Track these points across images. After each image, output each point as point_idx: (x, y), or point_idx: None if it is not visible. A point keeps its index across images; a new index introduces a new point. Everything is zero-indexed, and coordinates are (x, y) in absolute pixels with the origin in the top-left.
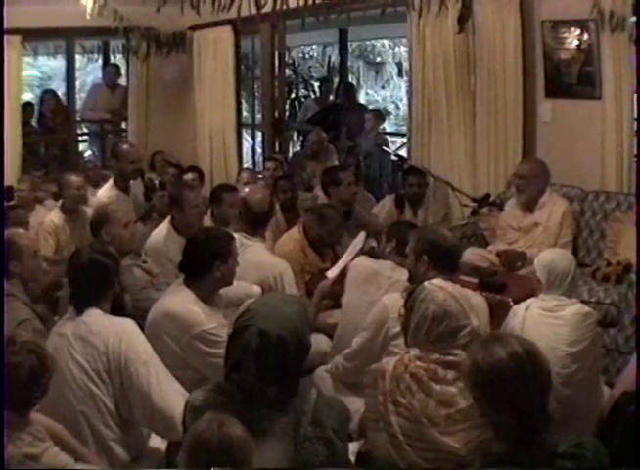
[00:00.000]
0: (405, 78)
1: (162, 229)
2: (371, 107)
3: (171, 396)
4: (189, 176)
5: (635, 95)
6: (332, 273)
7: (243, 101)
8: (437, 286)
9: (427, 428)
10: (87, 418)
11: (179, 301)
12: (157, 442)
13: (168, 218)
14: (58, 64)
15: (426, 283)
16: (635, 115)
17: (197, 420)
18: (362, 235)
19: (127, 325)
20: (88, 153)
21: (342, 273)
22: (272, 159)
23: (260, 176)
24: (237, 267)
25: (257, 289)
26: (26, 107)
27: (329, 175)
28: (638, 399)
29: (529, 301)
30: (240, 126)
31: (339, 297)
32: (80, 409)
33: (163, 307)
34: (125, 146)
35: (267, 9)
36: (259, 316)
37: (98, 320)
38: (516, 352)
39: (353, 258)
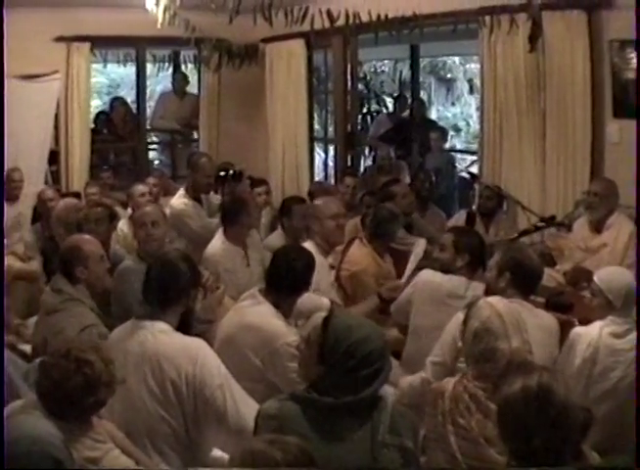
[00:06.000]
0: (476, 95)
1: (218, 240)
2: (441, 123)
3: (247, 415)
4: (260, 189)
5: None
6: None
7: (315, 114)
8: (488, 303)
9: (485, 448)
10: (153, 440)
11: (261, 313)
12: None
13: (221, 230)
14: (127, 71)
15: (481, 300)
16: None
17: (271, 428)
18: (422, 243)
19: (200, 348)
20: (157, 161)
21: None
22: (350, 174)
23: (333, 190)
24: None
25: (327, 302)
26: (99, 115)
27: (383, 190)
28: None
29: (598, 324)
30: (312, 140)
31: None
32: (147, 431)
33: (243, 320)
34: (204, 159)
35: (340, 23)
36: (341, 330)
37: (167, 340)
38: (528, 386)
39: (417, 269)
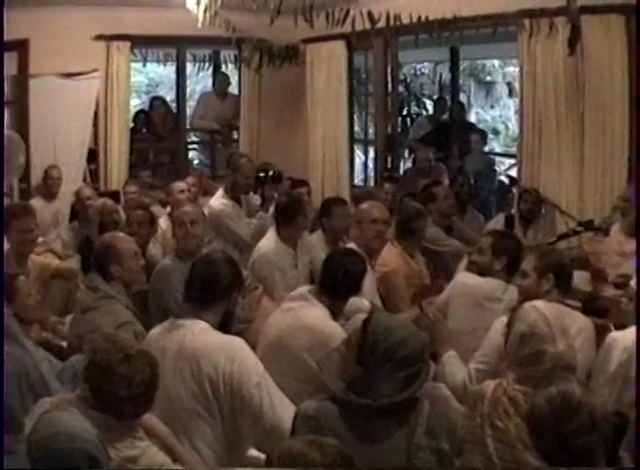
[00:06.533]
0: (515, 98)
1: (270, 240)
2: (481, 126)
3: (284, 415)
4: (301, 190)
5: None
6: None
7: (355, 116)
8: (534, 306)
9: (522, 452)
10: (190, 438)
11: (317, 315)
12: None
13: (273, 228)
14: (166, 71)
15: (526, 303)
16: None
17: (309, 428)
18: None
19: (238, 346)
20: (196, 161)
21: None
22: (389, 180)
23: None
24: None
25: (367, 303)
26: (138, 114)
27: (424, 192)
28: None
29: (633, 329)
30: (352, 141)
31: None
32: (184, 429)
33: (298, 321)
34: (244, 160)
35: (381, 24)
36: (380, 332)
37: (206, 339)
38: (552, 396)
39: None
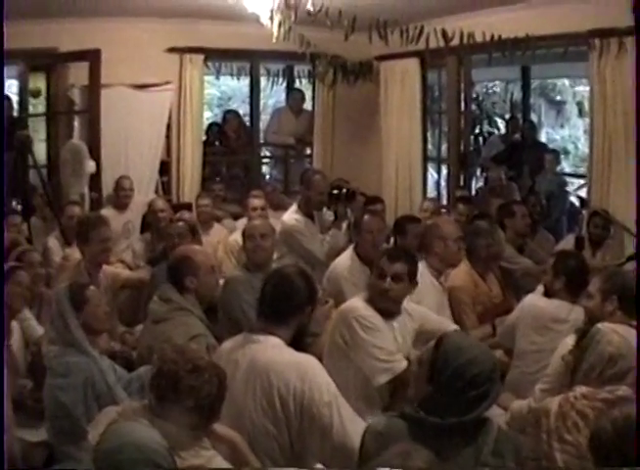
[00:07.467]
0: (584, 118)
1: (347, 256)
2: (551, 146)
3: (353, 433)
4: (375, 207)
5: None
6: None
7: (428, 134)
8: (610, 327)
9: (592, 464)
10: (256, 452)
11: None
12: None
13: (352, 246)
14: (238, 84)
15: (599, 325)
16: None
17: (378, 444)
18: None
19: (310, 365)
20: (267, 176)
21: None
22: (463, 200)
23: (444, 210)
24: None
25: (454, 327)
26: (211, 126)
27: (504, 208)
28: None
29: None
30: (425, 159)
31: None
32: (250, 443)
33: None
34: (318, 176)
35: (454, 42)
36: (451, 351)
37: (279, 355)
38: (615, 418)
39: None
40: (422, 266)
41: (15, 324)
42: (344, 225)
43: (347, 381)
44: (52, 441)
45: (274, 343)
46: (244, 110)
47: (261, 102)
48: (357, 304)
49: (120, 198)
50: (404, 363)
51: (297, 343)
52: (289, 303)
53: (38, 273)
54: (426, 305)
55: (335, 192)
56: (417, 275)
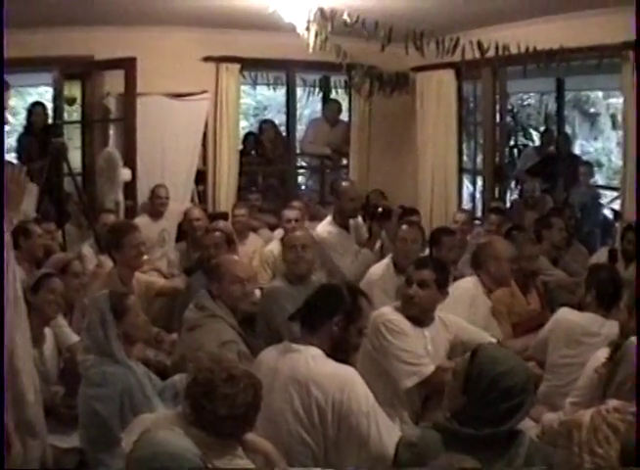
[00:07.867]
0: (618, 131)
1: (383, 263)
2: (585, 158)
3: (389, 444)
4: (411, 218)
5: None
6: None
7: (463, 145)
8: None
9: None
10: (290, 461)
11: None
12: None
13: (391, 254)
14: (274, 94)
15: (633, 338)
16: None
17: (411, 455)
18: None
19: (349, 376)
20: (303, 187)
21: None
22: (495, 210)
23: (478, 222)
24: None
25: (491, 339)
26: (248, 136)
27: (542, 219)
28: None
29: None
30: (461, 171)
31: None
32: (285, 452)
33: None
34: (345, 184)
35: (490, 54)
36: (486, 362)
37: (318, 366)
38: None
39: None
40: (475, 280)
41: (48, 331)
42: (378, 245)
43: (377, 388)
44: (84, 447)
45: (314, 353)
46: (279, 120)
47: (297, 112)
48: (385, 310)
49: (156, 206)
50: (431, 367)
51: (340, 355)
52: (331, 314)
53: (74, 281)
54: (478, 320)
55: (371, 210)
56: (447, 284)
